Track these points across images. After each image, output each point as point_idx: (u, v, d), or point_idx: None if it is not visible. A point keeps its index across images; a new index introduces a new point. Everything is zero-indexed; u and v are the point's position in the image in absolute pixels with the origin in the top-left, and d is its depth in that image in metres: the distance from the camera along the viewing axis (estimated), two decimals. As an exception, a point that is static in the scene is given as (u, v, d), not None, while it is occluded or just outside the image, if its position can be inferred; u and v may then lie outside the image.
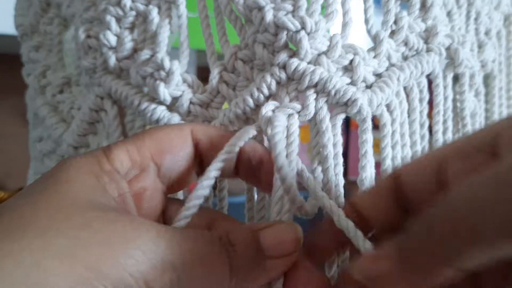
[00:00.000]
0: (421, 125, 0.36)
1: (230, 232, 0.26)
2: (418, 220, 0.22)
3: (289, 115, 0.31)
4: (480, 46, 0.41)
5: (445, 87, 0.37)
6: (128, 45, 0.35)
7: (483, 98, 0.41)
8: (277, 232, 0.27)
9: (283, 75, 0.32)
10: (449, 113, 0.37)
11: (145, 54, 0.34)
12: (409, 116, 0.36)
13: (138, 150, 0.28)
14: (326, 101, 0.32)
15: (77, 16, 0.38)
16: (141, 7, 0.35)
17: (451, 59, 0.37)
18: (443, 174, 0.24)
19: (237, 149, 0.29)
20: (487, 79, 0.42)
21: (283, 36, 0.31)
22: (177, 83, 0.34)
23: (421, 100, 0.36)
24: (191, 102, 0.34)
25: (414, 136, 0.36)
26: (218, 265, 0.24)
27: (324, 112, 0.32)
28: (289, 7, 0.32)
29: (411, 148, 0.36)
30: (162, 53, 0.34)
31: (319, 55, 0.33)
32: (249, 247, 0.25)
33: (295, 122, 0.31)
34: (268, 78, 0.32)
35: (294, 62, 0.32)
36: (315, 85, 0.32)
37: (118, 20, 0.35)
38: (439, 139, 0.37)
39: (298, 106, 0.31)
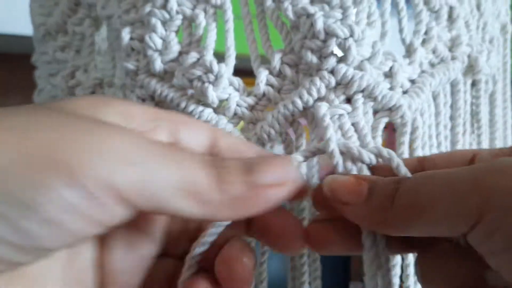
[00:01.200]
0: (445, 127, 0.38)
1: (223, 160, 0.25)
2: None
3: (340, 115, 0.32)
4: (487, 53, 0.43)
5: (465, 92, 0.39)
6: (175, 48, 0.35)
7: (487, 101, 0.44)
8: (270, 160, 0.26)
9: (332, 80, 0.33)
10: (468, 116, 0.40)
11: (192, 57, 0.34)
12: (436, 119, 0.37)
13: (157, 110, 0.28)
14: (372, 106, 0.33)
15: (115, 18, 0.37)
16: (188, 11, 0.35)
17: (471, 66, 0.39)
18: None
19: None
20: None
21: (332, 43, 0.32)
22: (224, 86, 0.34)
23: (445, 104, 0.38)
24: (237, 105, 0.35)
25: (440, 137, 0.38)
26: (199, 177, 0.23)
27: (370, 116, 0.33)
28: (338, 15, 0.33)
29: (437, 148, 0.37)
30: (210, 56, 0.34)
31: (362, 61, 0.34)
32: (239, 171, 0.24)
33: (347, 122, 0.32)
34: (318, 81, 0.33)
35: (343, 67, 0.33)
36: (362, 91, 0.33)
37: (164, 23, 0.35)
38: (460, 140, 0.39)
39: (349, 107, 0.32)
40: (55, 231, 0.20)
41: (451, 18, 0.38)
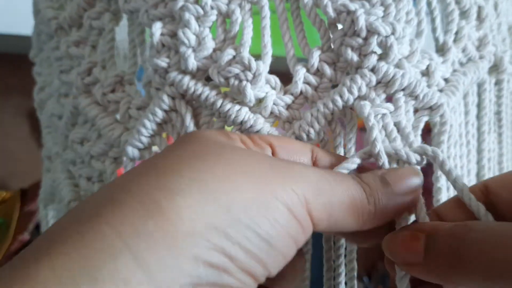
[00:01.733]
0: (472, 126, 0.38)
1: (362, 175, 0.28)
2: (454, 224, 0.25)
3: (383, 115, 0.31)
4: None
5: (489, 91, 0.39)
6: (209, 44, 0.33)
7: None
8: (400, 171, 0.29)
9: (373, 78, 0.32)
10: (492, 114, 0.40)
11: (228, 54, 0.33)
12: (465, 117, 0.37)
13: (258, 136, 0.30)
14: (413, 105, 0.32)
15: (142, 12, 0.35)
16: (223, 6, 0.34)
17: (495, 66, 0.39)
18: None
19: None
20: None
21: (374, 41, 0.32)
22: (262, 84, 0.33)
23: (472, 103, 0.38)
24: (274, 103, 0.33)
25: (468, 135, 0.38)
26: (359, 199, 0.27)
27: (410, 115, 0.33)
28: (380, 12, 0.32)
29: (466, 146, 0.37)
30: (247, 54, 0.33)
31: (400, 59, 0.33)
32: (379, 184, 0.28)
33: (390, 122, 0.31)
34: (359, 79, 0.32)
35: (384, 66, 0.32)
36: (404, 89, 0.32)
37: (197, 18, 0.33)
38: (486, 138, 0.39)
39: (391, 106, 0.32)
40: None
41: (479, 18, 0.38)
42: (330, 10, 0.33)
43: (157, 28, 0.34)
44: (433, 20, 0.36)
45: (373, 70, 0.33)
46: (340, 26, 0.34)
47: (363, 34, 0.32)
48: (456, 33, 0.37)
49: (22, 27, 0.42)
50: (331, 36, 0.34)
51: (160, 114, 0.35)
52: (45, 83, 0.48)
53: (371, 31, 0.32)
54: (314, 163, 0.30)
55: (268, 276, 0.25)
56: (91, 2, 0.39)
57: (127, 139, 0.36)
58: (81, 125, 0.40)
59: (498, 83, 0.41)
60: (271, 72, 0.35)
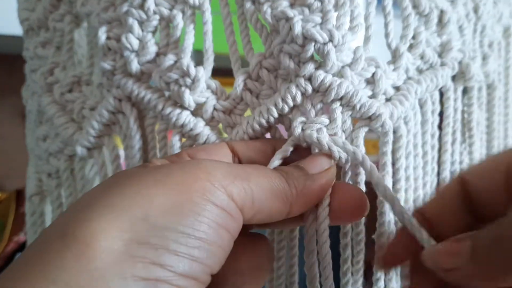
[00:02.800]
0: (432, 136, 0.36)
1: (278, 167, 0.30)
2: (497, 221, 0.24)
3: (318, 129, 0.30)
4: (484, 58, 0.41)
5: (455, 100, 0.36)
6: (152, 49, 0.33)
7: (484, 108, 0.41)
8: (310, 156, 0.31)
9: (309, 87, 0.31)
10: (458, 124, 0.37)
11: (169, 59, 0.33)
12: (422, 127, 0.35)
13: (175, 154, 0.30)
14: (351, 115, 0.30)
15: (94, 15, 0.35)
16: (165, 11, 0.33)
17: (462, 73, 0.36)
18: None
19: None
20: (488, 89, 0.42)
21: (311, 48, 0.30)
22: (202, 90, 0.32)
23: (433, 112, 0.35)
24: (214, 108, 0.32)
25: (426, 146, 0.35)
26: (281, 184, 0.28)
27: (348, 125, 0.31)
28: (317, 19, 0.30)
29: (422, 158, 0.35)
30: (187, 60, 0.32)
31: (343, 67, 0.31)
32: (294, 169, 0.29)
33: (325, 136, 0.29)
34: (294, 89, 0.31)
35: (321, 74, 0.30)
36: (341, 99, 0.30)
37: (141, 23, 0.33)
38: (448, 149, 0.36)
39: (326, 120, 0.30)
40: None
41: (441, 23, 0.35)
42: (269, 17, 0.32)
43: (103, 32, 0.34)
44: (386, 26, 0.34)
45: (310, 78, 0.31)
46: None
47: (300, 41, 0.31)
48: (413, 38, 0.34)
49: (17, 27, 0.43)
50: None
51: (106, 115, 0.35)
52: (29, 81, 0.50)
53: (308, 38, 0.31)
54: (234, 153, 0.31)
55: (211, 272, 0.24)
56: (56, 4, 0.40)
57: (78, 138, 0.36)
58: (44, 123, 0.41)
59: (467, 91, 0.38)
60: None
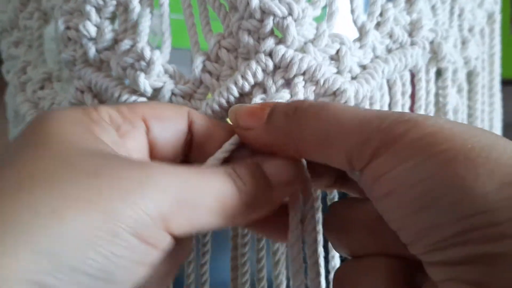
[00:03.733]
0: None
1: (236, 167, 0.24)
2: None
3: None
4: (464, 42, 0.38)
5: (427, 81, 0.34)
6: (109, 35, 0.31)
7: (466, 95, 0.38)
8: (279, 162, 0.25)
9: (270, 63, 0.28)
10: (431, 107, 0.34)
11: (125, 44, 0.30)
12: (390, 109, 0.32)
13: (129, 108, 0.25)
14: (314, 90, 0.28)
15: (57, 8, 0.33)
16: (122, -4, 0.31)
17: (434, 53, 0.33)
18: None
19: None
20: (470, 76, 0.39)
21: (269, 22, 0.28)
22: (158, 74, 0.30)
23: (403, 94, 0.33)
24: (173, 93, 0.30)
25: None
26: (230, 198, 0.23)
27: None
28: (275, -7, 0.28)
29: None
30: (142, 43, 0.30)
31: (305, 43, 0.29)
32: (256, 178, 0.24)
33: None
34: (254, 65, 0.28)
35: (281, 49, 0.28)
36: (303, 73, 0.28)
37: (98, 10, 0.31)
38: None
39: (287, 95, 0.28)
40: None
41: (410, 1, 0.33)
42: None
43: (61, 23, 0.32)
44: (351, 1, 0.32)
45: (270, 54, 0.29)
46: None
47: (258, 15, 0.29)
48: (380, 15, 0.32)
49: None
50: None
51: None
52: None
53: (266, 12, 0.28)
54: (190, 126, 0.27)
55: None
56: (25, 2, 0.38)
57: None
58: (20, 123, 0.39)
59: (441, 72, 0.35)
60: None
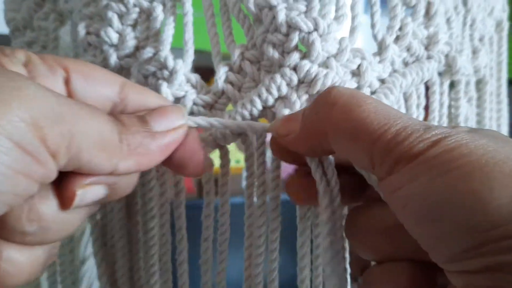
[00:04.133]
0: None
1: (119, 116, 0.24)
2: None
3: None
4: (474, 52, 0.38)
5: (441, 94, 0.34)
6: (130, 42, 0.31)
7: (475, 103, 0.39)
8: (161, 109, 0.26)
9: (294, 77, 0.28)
10: (444, 119, 0.35)
11: (147, 52, 0.30)
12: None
13: (54, 57, 0.24)
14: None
15: (76, 12, 0.33)
16: (145, 3, 0.30)
17: (449, 67, 0.34)
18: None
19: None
20: (479, 84, 0.39)
21: (295, 37, 0.28)
22: (181, 83, 0.30)
23: (418, 106, 0.33)
24: (194, 103, 0.30)
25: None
26: (109, 135, 0.23)
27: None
28: (302, 7, 0.28)
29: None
30: (165, 52, 0.30)
31: (328, 58, 0.29)
32: (136, 122, 0.25)
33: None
34: (278, 79, 0.28)
35: (306, 64, 0.28)
36: (326, 89, 0.28)
37: (120, 16, 0.31)
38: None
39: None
40: None
41: (428, 15, 0.33)
42: (252, 6, 0.29)
43: (82, 27, 0.32)
44: (372, 16, 0.32)
45: (295, 68, 0.29)
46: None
47: (284, 30, 0.29)
48: (400, 30, 0.32)
49: (5, 26, 0.40)
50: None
51: None
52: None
53: (292, 26, 0.28)
54: (122, 102, 0.26)
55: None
56: (40, 3, 0.37)
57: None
58: None
59: (454, 85, 0.36)
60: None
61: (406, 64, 0.33)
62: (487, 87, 0.39)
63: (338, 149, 0.24)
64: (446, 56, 0.34)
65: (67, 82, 0.24)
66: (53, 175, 0.21)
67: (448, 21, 0.35)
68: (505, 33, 0.43)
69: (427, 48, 0.33)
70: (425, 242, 0.21)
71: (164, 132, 0.25)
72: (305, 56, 0.29)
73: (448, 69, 0.34)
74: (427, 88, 0.35)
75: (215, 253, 0.32)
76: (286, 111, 0.28)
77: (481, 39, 0.38)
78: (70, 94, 0.24)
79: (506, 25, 0.43)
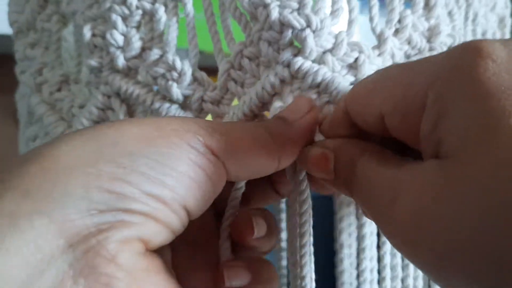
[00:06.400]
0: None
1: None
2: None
3: None
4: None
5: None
6: (136, 44, 0.33)
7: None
8: (290, 104, 0.29)
9: (287, 74, 0.28)
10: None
11: (154, 54, 0.32)
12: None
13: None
14: (328, 101, 0.28)
15: (79, 14, 0.35)
16: (147, 5, 0.32)
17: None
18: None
19: None
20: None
21: (288, 34, 0.29)
22: (189, 82, 0.30)
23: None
24: (202, 100, 0.31)
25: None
26: (257, 131, 0.27)
27: (327, 111, 0.28)
28: (294, 4, 0.29)
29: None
30: (172, 53, 0.33)
31: (324, 52, 0.29)
32: (273, 119, 0.29)
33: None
34: (272, 77, 0.30)
35: (299, 61, 0.29)
36: (318, 86, 0.28)
37: (124, 19, 0.33)
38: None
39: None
40: None
41: (428, 6, 0.33)
42: (247, 4, 0.31)
43: (88, 30, 0.34)
44: (370, 9, 0.31)
45: (288, 65, 0.29)
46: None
47: (277, 27, 0.30)
48: (399, 22, 0.31)
49: (8, 26, 0.41)
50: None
51: (95, 112, 0.35)
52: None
53: (285, 24, 0.29)
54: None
55: (185, 205, 0.24)
56: (43, 5, 0.40)
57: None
58: (34, 124, 0.41)
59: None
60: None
61: (408, 57, 0.33)
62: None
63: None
64: (449, 47, 0.33)
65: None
66: (222, 177, 0.26)
67: (450, 13, 0.35)
68: (507, 29, 0.41)
69: (429, 40, 0.34)
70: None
71: (299, 120, 0.28)
72: (299, 51, 0.29)
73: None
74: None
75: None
76: (278, 104, 0.28)
77: (483, 34, 0.38)
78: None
79: (508, 21, 0.41)
